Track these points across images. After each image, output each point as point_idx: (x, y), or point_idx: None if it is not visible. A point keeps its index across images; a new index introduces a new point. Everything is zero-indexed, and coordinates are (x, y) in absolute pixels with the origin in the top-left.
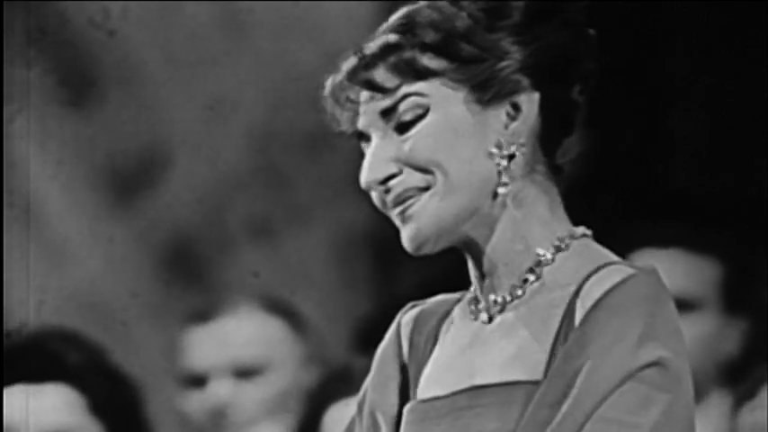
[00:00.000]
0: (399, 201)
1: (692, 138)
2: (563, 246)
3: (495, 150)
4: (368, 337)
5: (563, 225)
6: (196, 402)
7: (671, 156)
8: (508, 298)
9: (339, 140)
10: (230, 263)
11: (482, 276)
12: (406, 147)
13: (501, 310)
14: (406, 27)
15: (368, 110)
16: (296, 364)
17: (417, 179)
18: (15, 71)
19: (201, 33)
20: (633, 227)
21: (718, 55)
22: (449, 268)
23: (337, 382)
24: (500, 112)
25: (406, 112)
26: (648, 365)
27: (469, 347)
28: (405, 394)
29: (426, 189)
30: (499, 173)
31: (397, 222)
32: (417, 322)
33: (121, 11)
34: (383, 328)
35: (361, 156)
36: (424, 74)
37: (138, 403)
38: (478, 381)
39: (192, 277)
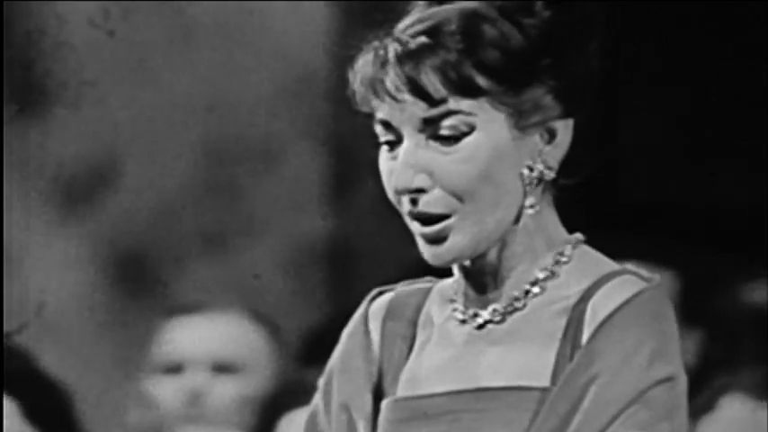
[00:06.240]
0: (427, 220)
1: (645, 149)
2: (564, 257)
3: (526, 172)
4: (320, 348)
5: (562, 235)
6: (170, 391)
7: (627, 168)
8: (509, 309)
9: (292, 152)
10: (186, 273)
11: (481, 286)
12: (444, 165)
13: (501, 321)
14: (459, 36)
15: (406, 109)
16: (266, 369)
17: (444, 203)
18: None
19: (153, 43)
20: (589, 240)
21: (671, 65)
22: (403, 277)
23: (290, 393)
24: (535, 136)
25: (450, 127)
26: (658, 383)
27: (466, 349)
28: (377, 387)
29: (449, 216)
30: (525, 194)
31: (419, 237)
32: (390, 311)
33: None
34: (336, 338)
35: (319, 167)
36: (475, 92)
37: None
38: (484, 383)
39: (146, 286)
